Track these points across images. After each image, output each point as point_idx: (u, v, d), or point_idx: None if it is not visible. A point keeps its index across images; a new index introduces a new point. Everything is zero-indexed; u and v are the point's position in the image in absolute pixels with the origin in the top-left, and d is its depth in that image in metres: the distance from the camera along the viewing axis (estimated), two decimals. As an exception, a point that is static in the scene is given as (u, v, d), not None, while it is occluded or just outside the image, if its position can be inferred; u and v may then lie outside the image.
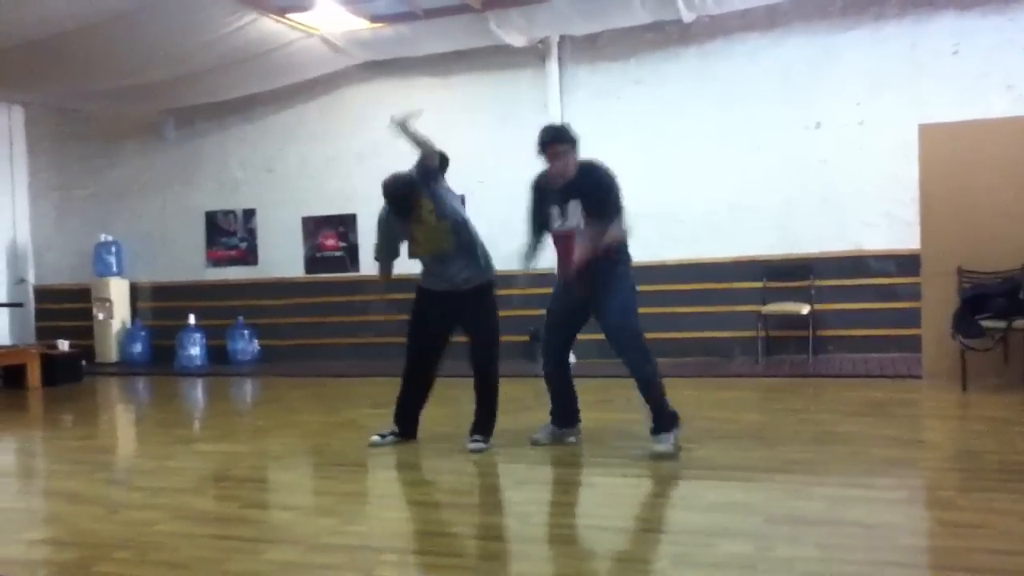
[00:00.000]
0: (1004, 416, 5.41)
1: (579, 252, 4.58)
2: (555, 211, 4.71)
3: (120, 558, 3.41)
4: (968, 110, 7.22)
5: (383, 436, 5.16)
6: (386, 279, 5.19)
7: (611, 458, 4.71)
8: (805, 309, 7.82)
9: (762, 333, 8.03)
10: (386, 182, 4.87)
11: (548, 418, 5.10)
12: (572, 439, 5.02)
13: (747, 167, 8.23)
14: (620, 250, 4.74)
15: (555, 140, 4.68)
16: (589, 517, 3.86)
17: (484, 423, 5.03)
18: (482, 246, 5.02)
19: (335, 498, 4.27)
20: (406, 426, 5.20)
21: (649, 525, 3.72)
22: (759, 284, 8.11)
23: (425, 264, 5.06)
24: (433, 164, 4.87)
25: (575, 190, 4.64)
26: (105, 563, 3.35)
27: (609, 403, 5.93)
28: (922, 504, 3.84)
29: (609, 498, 4.13)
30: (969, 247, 6.58)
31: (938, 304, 6.63)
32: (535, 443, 4.97)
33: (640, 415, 4.91)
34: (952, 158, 6.70)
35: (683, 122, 8.42)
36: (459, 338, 5.10)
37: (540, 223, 4.85)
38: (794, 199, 8.09)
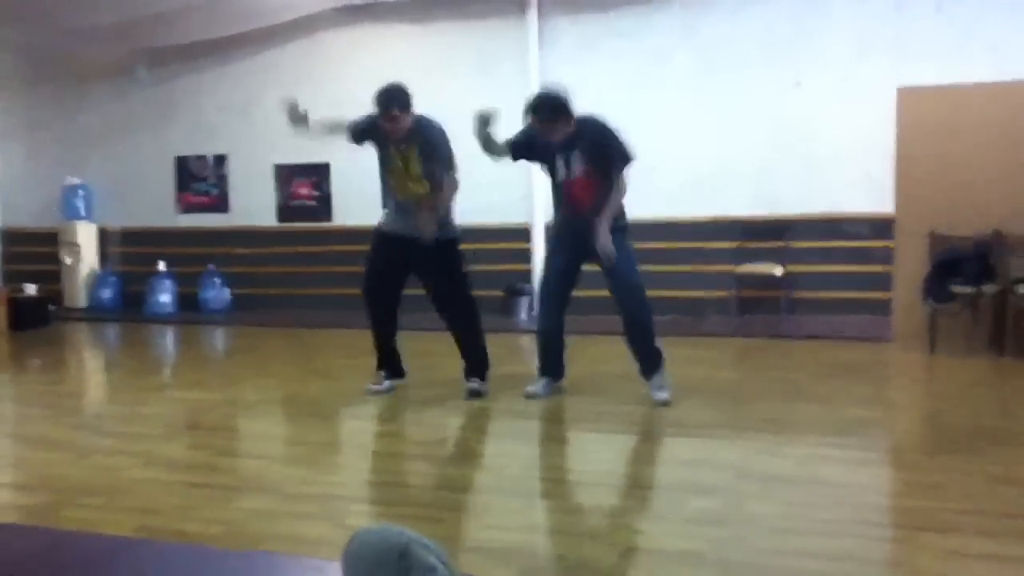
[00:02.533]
0: (970, 379, 5.50)
1: (602, 233, 4.63)
2: (559, 162, 4.77)
3: (89, 503, 3.38)
4: (952, 72, 7.17)
5: (378, 385, 5.18)
6: (295, 116, 5.05)
7: (587, 413, 4.75)
8: (779, 270, 7.86)
9: (736, 293, 8.07)
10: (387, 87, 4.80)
11: (534, 373, 5.15)
12: (560, 387, 5.15)
13: (727, 125, 8.18)
14: (621, 209, 4.85)
15: (552, 116, 4.67)
16: (562, 471, 3.89)
17: (478, 364, 5.09)
18: (451, 205, 5.02)
19: (307, 447, 4.27)
20: (392, 367, 5.22)
21: (621, 480, 3.76)
22: (734, 244, 8.13)
23: (391, 204, 5.03)
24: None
25: (576, 142, 4.71)
26: (73, 508, 3.32)
27: (586, 359, 5.93)
28: (890, 465, 3.90)
29: (583, 453, 4.17)
30: (943, 212, 6.62)
31: (910, 268, 6.68)
32: (531, 396, 5.02)
33: (621, 369, 4.95)
34: (930, 122, 6.70)
35: (664, 77, 8.33)
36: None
37: (527, 152, 4.93)
38: (773, 159, 8.07)
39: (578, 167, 4.73)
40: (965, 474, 3.51)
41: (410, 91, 4.83)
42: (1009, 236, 6.35)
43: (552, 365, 5.14)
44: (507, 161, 5.07)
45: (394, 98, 4.75)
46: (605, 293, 4.93)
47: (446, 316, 5.12)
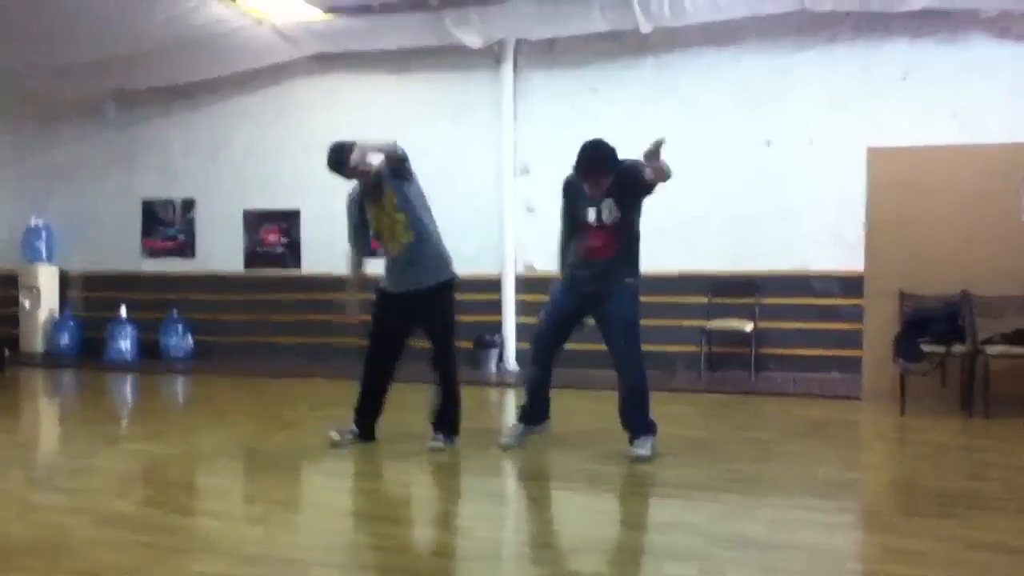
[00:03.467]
0: (941, 440, 5.47)
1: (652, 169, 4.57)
2: (591, 210, 4.73)
3: (29, 565, 3.19)
4: (917, 135, 7.32)
5: (341, 434, 5.06)
6: (357, 276, 5.12)
7: (559, 470, 4.64)
8: (749, 326, 7.84)
9: (705, 348, 8.04)
10: (330, 146, 4.82)
11: (504, 427, 5.05)
12: (543, 432, 5.08)
13: (699, 181, 8.21)
14: (636, 261, 4.85)
15: (603, 171, 4.63)
16: (533, 535, 3.76)
17: (446, 421, 5.00)
18: (442, 245, 5.03)
19: (266, 505, 4.09)
20: (365, 427, 5.11)
21: (593, 543, 3.63)
22: (704, 299, 8.12)
23: (387, 263, 5.04)
24: (396, 162, 4.80)
25: (610, 190, 4.68)
26: (12, 571, 3.13)
27: (565, 416, 5.80)
28: (865, 528, 3.82)
29: (554, 514, 4.06)
30: (912, 271, 6.67)
31: (879, 326, 6.70)
32: (506, 447, 4.95)
33: (596, 427, 4.86)
34: (899, 182, 6.79)
35: (637, 132, 8.18)
36: (420, 343, 5.03)
37: (571, 221, 4.88)
38: (743, 215, 8.12)
39: (609, 214, 4.70)
40: (942, 539, 3.43)
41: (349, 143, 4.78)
42: (977, 296, 6.40)
43: (533, 412, 5.05)
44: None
45: (340, 151, 4.76)
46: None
47: (433, 365, 5.02)
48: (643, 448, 4.73)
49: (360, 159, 4.69)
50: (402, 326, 5.01)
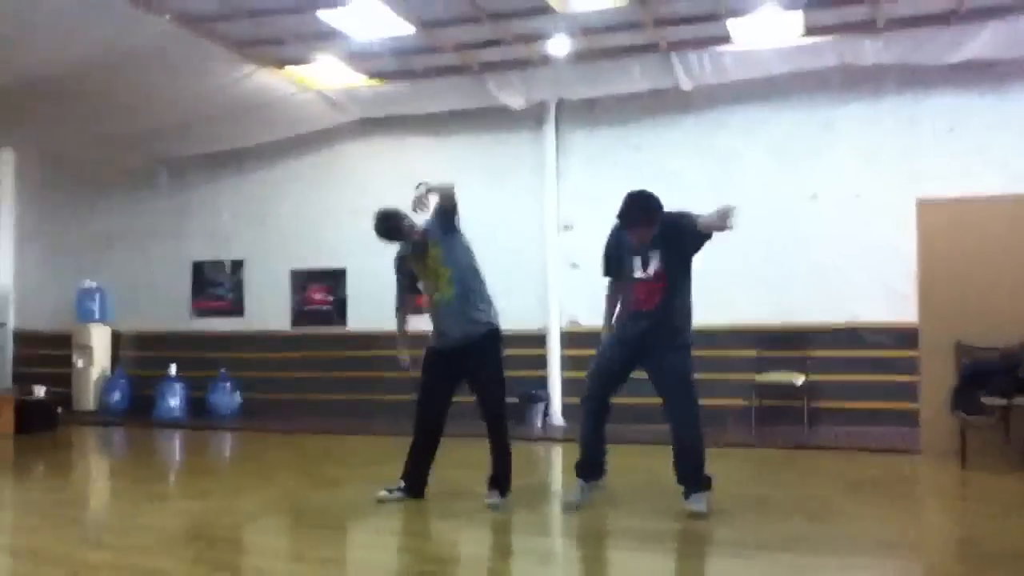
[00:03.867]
0: (1007, 498, 5.25)
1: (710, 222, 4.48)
2: (636, 261, 4.70)
3: (79, 623, 3.18)
4: (964, 187, 7.21)
5: (390, 491, 5.05)
6: (403, 333, 5.15)
7: (610, 528, 4.54)
8: (800, 379, 7.69)
9: (756, 402, 7.89)
10: (376, 214, 4.93)
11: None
12: (602, 487, 4.95)
13: (744, 236, 8.02)
14: (688, 314, 4.77)
15: (648, 223, 4.61)
16: (582, 593, 3.65)
17: (500, 477, 4.95)
18: (488, 297, 5.04)
19: (313, 565, 4.05)
20: (414, 483, 5.08)
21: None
22: (753, 352, 7.99)
23: (434, 319, 5.03)
24: (450, 204, 4.88)
25: (656, 242, 4.64)
26: (62, 629, 3.12)
27: (616, 472, 5.69)
28: (931, 590, 3.66)
29: (607, 574, 3.94)
30: (967, 322, 6.50)
31: (936, 379, 6.51)
32: (570, 506, 4.84)
33: (647, 482, 4.75)
34: (950, 234, 6.66)
35: (679, 189, 8.27)
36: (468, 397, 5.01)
37: (616, 270, 4.85)
38: (791, 269, 8.03)
39: (654, 266, 4.64)
40: (1015, 603, 3.27)
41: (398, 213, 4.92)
42: (1037, 348, 6.21)
43: (588, 463, 4.90)
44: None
45: (388, 219, 4.88)
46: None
47: (484, 420, 4.98)
48: (700, 504, 4.61)
49: (421, 197, 4.72)
50: (448, 382, 5.01)
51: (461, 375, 4.99)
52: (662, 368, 4.70)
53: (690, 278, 4.76)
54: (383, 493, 5.04)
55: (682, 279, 4.73)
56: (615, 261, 4.85)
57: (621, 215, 4.66)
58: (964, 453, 6.04)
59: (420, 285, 5.09)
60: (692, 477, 4.68)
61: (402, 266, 5.13)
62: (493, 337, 4.97)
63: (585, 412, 4.98)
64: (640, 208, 4.64)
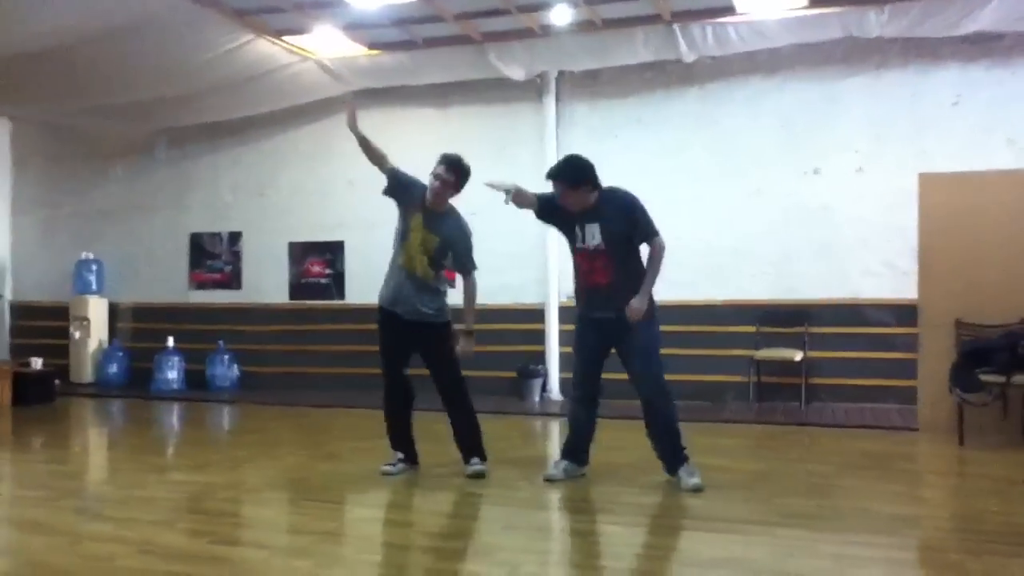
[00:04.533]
0: (1005, 474, 5.25)
1: (635, 308, 4.57)
2: (576, 229, 4.73)
3: (77, 596, 3.18)
4: (969, 162, 7.16)
5: (393, 465, 5.08)
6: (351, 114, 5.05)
7: (607, 503, 4.54)
8: (799, 356, 7.68)
9: (755, 378, 7.88)
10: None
11: (548, 456, 5.00)
12: (583, 475, 4.97)
13: (746, 211, 8.14)
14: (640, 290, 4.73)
15: (573, 183, 4.66)
16: (581, 569, 3.65)
17: (477, 445, 5.05)
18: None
19: (312, 537, 4.05)
20: (407, 449, 5.14)
21: (644, 580, 3.53)
22: (752, 329, 7.98)
23: (395, 281, 4.99)
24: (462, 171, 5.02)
25: (599, 213, 4.66)
26: (61, 601, 3.12)
27: (610, 447, 5.70)
28: (931, 567, 3.66)
29: (603, 548, 3.94)
30: (968, 299, 6.48)
31: (936, 356, 6.50)
32: (550, 480, 4.88)
33: (642, 457, 4.76)
34: (952, 209, 6.61)
35: (682, 163, 8.33)
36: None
37: (549, 214, 4.90)
38: (792, 244, 7.99)
39: (595, 238, 4.66)
40: (1014, 580, 3.27)
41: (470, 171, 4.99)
42: (1038, 325, 6.19)
43: (576, 450, 4.96)
44: (531, 215, 5.04)
45: (457, 166, 4.94)
46: (625, 375, 4.78)
47: (447, 398, 5.09)
48: (693, 478, 4.62)
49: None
50: (407, 347, 5.04)
51: (417, 346, 5.02)
52: (627, 344, 4.70)
53: (638, 254, 4.76)
54: (387, 467, 5.06)
55: (628, 255, 4.71)
56: (552, 215, 4.87)
57: (550, 173, 4.74)
58: (962, 430, 6.04)
59: (399, 235, 5.01)
60: (673, 452, 4.69)
61: (396, 187, 5.02)
62: (447, 327, 5.05)
63: (573, 400, 5.02)
64: (565, 165, 4.76)
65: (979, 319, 6.39)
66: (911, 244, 7.04)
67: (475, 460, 5.02)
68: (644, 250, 4.75)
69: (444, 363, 5.03)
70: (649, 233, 4.66)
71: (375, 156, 5.03)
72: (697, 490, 4.56)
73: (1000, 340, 6.18)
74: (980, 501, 4.67)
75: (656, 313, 4.74)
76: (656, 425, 4.72)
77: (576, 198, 4.66)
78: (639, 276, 4.67)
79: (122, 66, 7.73)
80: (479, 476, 4.93)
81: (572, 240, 4.80)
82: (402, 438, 5.14)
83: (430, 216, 4.93)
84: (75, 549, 3.77)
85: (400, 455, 5.11)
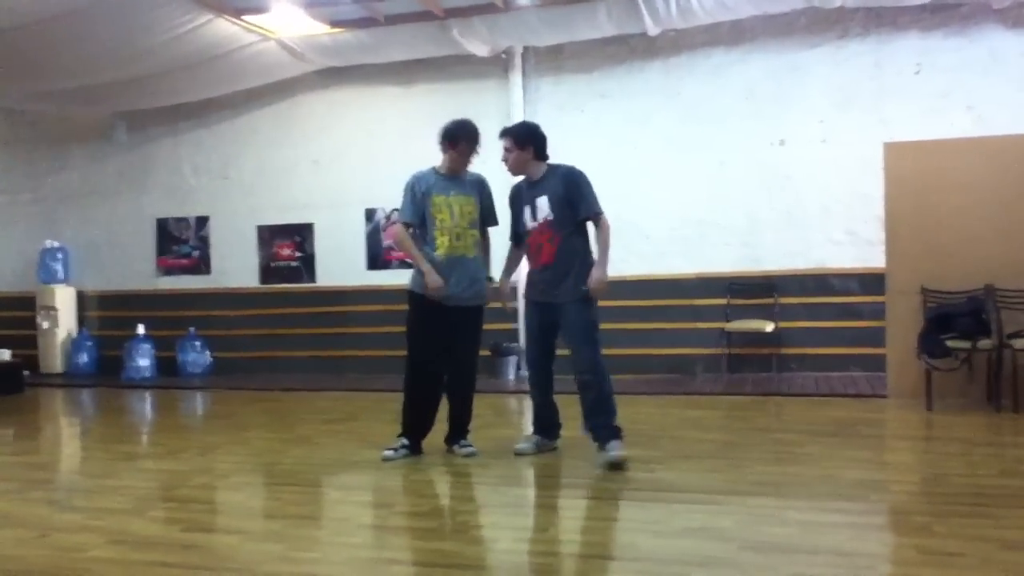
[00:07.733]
0: (971, 437, 5.36)
1: (596, 278, 4.66)
2: (526, 211, 4.85)
3: (48, 588, 3.15)
4: (930, 129, 7.23)
5: (395, 450, 5.03)
6: (434, 283, 4.83)
7: (579, 477, 4.57)
8: (769, 327, 7.75)
9: (726, 350, 7.95)
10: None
11: (528, 430, 5.16)
12: (555, 448, 5.05)
13: (712, 183, 8.17)
14: (585, 266, 4.78)
15: (520, 143, 4.84)
16: (555, 543, 3.68)
17: (464, 428, 5.11)
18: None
19: (285, 521, 4.04)
20: (417, 439, 5.07)
21: (619, 552, 3.56)
22: (723, 301, 8.03)
23: (453, 275, 4.88)
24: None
25: (542, 188, 4.80)
26: (29, 595, 3.09)
27: (577, 417, 5.73)
28: (898, 530, 3.73)
29: (577, 522, 3.98)
30: (933, 266, 6.57)
31: (902, 323, 6.60)
32: (519, 453, 4.96)
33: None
34: (916, 177, 6.69)
35: (648, 136, 8.33)
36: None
37: (517, 222, 4.97)
38: (759, 216, 8.04)
39: (542, 214, 4.77)
40: (977, 540, 3.34)
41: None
42: (1001, 290, 6.29)
43: (545, 426, 5.05)
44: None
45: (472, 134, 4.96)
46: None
47: (457, 381, 5.05)
48: (618, 449, 4.62)
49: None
50: (446, 335, 4.93)
51: (453, 332, 4.95)
52: (566, 321, 4.77)
53: (585, 236, 4.85)
54: (388, 452, 5.02)
55: (574, 232, 4.78)
56: (518, 216, 4.93)
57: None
58: (929, 396, 6.15)
59: (430, 228, 4.88)
60: (604, 428, 4.71)
61: (418, 208, 4.90)
62: (483, 309, 5.08)
63: (529, 383, 5.10)
64: (519, 124, 5.04)
65: (944, 286, 6.48)
66: (875, 213, 7.11)
67: (465, 442, 5.06)
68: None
69: (475, 344, 5.07)
70: (593, 207, 4.75)
71: (423, 254, 4.93)
72: (617, 463, 4.55)
73: (965, 306, 6.28)
74: (945, 464, 4.76)
75: (590, 296, 4.74)
76: (586, 400, 4.77)
77: (517, 159, 4.82)
78: (582, 260, 4.76)
79: (77, 47, 7.55)
80: (472, 455, 4.98)
81: (523, 223, 4.88)
82: (420, 426, 5.05)
83: (448, 184, 4.91)
84: (45, 541, 3.73)
85: (405, 441, 5.03)
